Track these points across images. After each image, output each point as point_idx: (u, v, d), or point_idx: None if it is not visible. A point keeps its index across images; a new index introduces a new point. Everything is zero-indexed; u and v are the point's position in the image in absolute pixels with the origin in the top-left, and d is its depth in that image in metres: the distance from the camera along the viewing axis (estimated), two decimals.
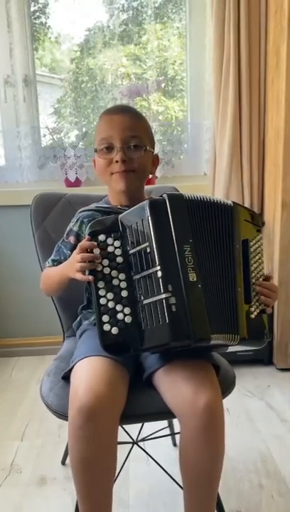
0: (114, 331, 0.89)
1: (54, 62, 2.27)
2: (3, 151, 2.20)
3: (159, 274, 0.85)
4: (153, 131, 2.12)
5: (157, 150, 2.13)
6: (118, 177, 1.08)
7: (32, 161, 2.16)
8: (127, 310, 0.90)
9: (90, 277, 0.91)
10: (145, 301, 0.87)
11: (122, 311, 0.89)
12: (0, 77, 2.10)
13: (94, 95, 2.20)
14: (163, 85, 2.22)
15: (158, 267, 0.85)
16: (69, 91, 2.18)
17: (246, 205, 2.09)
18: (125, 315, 0.89)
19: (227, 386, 1.02)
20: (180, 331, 0.83)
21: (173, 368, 0.95)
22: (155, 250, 0.86)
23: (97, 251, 0.92)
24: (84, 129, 2.22)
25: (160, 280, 0.84)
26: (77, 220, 1.14)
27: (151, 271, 0.86)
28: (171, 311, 0.82)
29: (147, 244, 0.87)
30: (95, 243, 0.92)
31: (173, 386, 0.94)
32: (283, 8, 1.78)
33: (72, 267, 0.94)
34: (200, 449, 0.90)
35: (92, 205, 1.17)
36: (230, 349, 0.99)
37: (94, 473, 0.90)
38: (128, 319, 0.89)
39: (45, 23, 2.19)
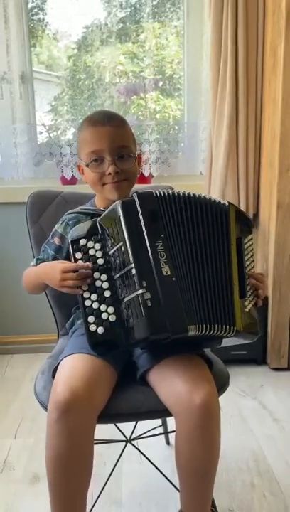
0: (100, 330, 0.91)
1: (51, 59, 2.26)
2: None
3: (133, 271, 0.88)
4: (149, 130, 2.14)
5: (153, 149, 2.14)
6: (111, 187, 1.09)
7: (28, 158, 2.15)
8: (111, 309, 0.92)
9: (80, 291, 0.94)
10: (125, 299, 0.90)
11: (106, 311, 0.92)
12: None
13: (91, 93, 2.20)
14: (160, 84, 2.22)
15: (132, 265, 0.88)
16: (66, 88, 2.17)
17: (242, 205, 2.09)
18: (109, 314, 0.92)
19: (220, 385, 1.02)
20: (157, 325, 0.85)
21: (167, 365, 0.96)
22: (128, 248, 0.89)
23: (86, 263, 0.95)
24: None
25: (134, 277, 0.87)
26: (62, 222, 1.17)
27: (126, 269, 0.89)
28: (147, 306, 0.85)
29: (121, 243, 0.90)
30: (89, 264, 0.94)
31: (168, 384, 0.94)
32: (281, 8, 1.79)
33: (55, 278, 0.97)
34: (197, 446, 0.91)
35: (78, 208, 1.19)
36: (223, 343, 1.01)
37: (67, 470, 0.90)
38: (112, 318, 0.91)
39: (43, 19, 2.18)
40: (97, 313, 0.92)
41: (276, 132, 1.88)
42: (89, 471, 0.93)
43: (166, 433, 1.49)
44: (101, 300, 0.93)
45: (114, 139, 1.07)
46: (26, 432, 1.64)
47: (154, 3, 2.13)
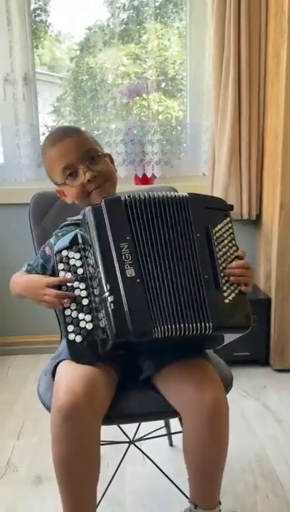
0: (78, 339, 0.93)
1: (53, 61, 2.27)
2: (1, 149, 2.19)
3: (100, 275, 0.88)
4: (152, 131, 2.14)
5: (156, 150, 2.14)
6: (97, 193, 1.09)
7: (31, 160, 2.16)
8: (88, 317, 0.93)
9: (59, 305, 0.95)
10: (97, 305, 0.90)
11: (84, 319, 0.93)
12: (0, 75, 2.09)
13: (94, 94, 2.20)
14: (163, 85, 2.22)
15: (100, 268, 0.88)
16: (68, 90, 2.18)
17: (245, 206, 2.09)
18: (86, 322, 0.93)
19: (224, 386, 1.01)
20: (120, 328, 0.84)
21: (173, 369, 0.96)
22: (96, 253, 0.90)
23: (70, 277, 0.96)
24: (83, 128, 2.21)
25: (101, 281, 0.88)
26: (54, 235, 1.18)
27: (95, 274, 0.90)
28: (111, 309, 0.85)
29: (92, 249, 0.91)
30: (68, 279, 0.96)
31: (177, 387, 0.95)
32: (284, 9, 1.78)
33: (37, 293, 0.98)
34: (206, 446, 0.93)
35: (69, 220, 1.19)
36: (225, 341, 0.99)
37: (74, 474, 0.91)
38: (89, 326, 0.92)
39: (46, 20, 2.18)
40: (76, 321, 0.93)
41: (278, 133, 1.88)
42: (95, 472, 0.94)
43: (169, 434, 1.48)
44: (80, 308, 0.94)
45: (77, 147, 1.08)
46: (29, 433, 1.64)
47: (157, 4, 2.13)
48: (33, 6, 2.14)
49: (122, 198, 0.93)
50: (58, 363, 1.00)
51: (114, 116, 2.16)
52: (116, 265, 0.87)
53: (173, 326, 0.86)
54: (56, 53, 2.25)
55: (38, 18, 2.19)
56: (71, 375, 0.92)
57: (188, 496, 1.03)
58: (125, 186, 1.65)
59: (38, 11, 2.18)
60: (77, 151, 1.07)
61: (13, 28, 2.04)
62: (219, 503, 1.02)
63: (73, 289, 0.95)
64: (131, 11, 2.17)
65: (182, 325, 0.86)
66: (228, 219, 1.00)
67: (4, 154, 2.18)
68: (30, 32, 2.10)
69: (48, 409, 1.01)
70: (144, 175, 2.17)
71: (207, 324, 0.87)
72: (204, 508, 0.99)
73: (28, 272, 1.18)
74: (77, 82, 2.20)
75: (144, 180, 2.18)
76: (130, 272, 0.87)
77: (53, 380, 1.01)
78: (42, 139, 2.24)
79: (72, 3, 2.10)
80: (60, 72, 2.23)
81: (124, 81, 2.18)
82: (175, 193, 0.97)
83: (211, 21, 1.97)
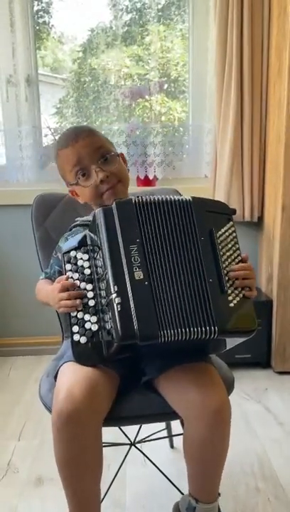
0: (83, 340, 0.92)
1: (56, 62, 2.27)
2: (4, 150, 2.20)
3: (108, 276, 0.88)
4: (154, 133, 2.14)
5: (158, 151, 2.15)
6: (110, 194, 1.08)
7: (33, 161, 2.16)
8: (94, 318, 0.92)
9: (74, 307, 0.94)
10: (103, 307, 0.90)
11: (89, 320, 0.93)
12: (2, 76, 2.10)
13: (97, 96, 2.20)
14: (165, 86, 2.22)
15: (108, 270, 0.88)
16: (71, 91, 2.18)
17: (247, 207, 2.09)
18: (92, 323, 0.92)
19: (226, 389, 1.02)
20: (126, 331, 0.84)
21: (176, 373, 0.96)
22: (106, 254, 0.90)
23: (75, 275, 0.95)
24: None
25: (109, 282, 0.87)
26: (63, 238, 1.18)
27: (103, 275, 0.90)
28: (117, 311, 0.85)
29: (101, 250, 0.91)
30: (75, 283, 0.95)
31: (180, 391, 0.95)
32: (287, 11, 1.79)
33: (55, 301, 0.98)
34: (208, 447, 0.94)
35: (79, 221, 1.19)
36: (228, 346, 0.99)
37: (76, 474, 0.92)
38: (94, 327, 0.92)
39: (49, 22, 2.19)
40: (81, 322, 0.93)
41: (281, 135, 1.88)
42: (98, 471, 0.95)
43: (170, 436, 1.48)
44: (86, 309, 0.93)
45: (89, 146, 1.08)
46: (30, 434, 1.64)
47: (159, 6, 2.14)
48: (36, 8, 2.15)
49: (133, 201, 0.93)
50: (61, 365, 1.00)
51: (117, 117, 2.16)
52: (125, 267, 0.87)
53: (179, 330, 0.85)
54: (59, 55, 2.25)
55: (40, 20, 2.19)
56: (72, 378, 0.92)
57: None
58: None
59: (40, 13, 2.19)
60: (89, 151, 1.07)
61: (16, 29, 2.04)
62: (219, 494, 1.03)
63: (80, 290, 0.95)
64: (134, 12, 2.17)
65: (188, 329, 0.86)
66: (231, 223, 1.00)
67: (6, 155, 2.18)
68: (32, 33, 2.11)
69: (50, 410, 1.01)
70: (146, 177, 2.17)
71: (212, 328, 0.86)
72: (205, 502, 1.00)
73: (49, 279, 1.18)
74: (79, 84, 2.21)
75: (146, 182, 2.19)
76: (138, 275, 0.87)
77: (55, 381, 1.01)
78: (44, 140, 2.25)
79: (75, 4, 2.11)
80: (62, 73, 2.23)
81: (127, 82, 2.18)
82: (179, 197, 0.97)
83: (214, 23, 1.97)
